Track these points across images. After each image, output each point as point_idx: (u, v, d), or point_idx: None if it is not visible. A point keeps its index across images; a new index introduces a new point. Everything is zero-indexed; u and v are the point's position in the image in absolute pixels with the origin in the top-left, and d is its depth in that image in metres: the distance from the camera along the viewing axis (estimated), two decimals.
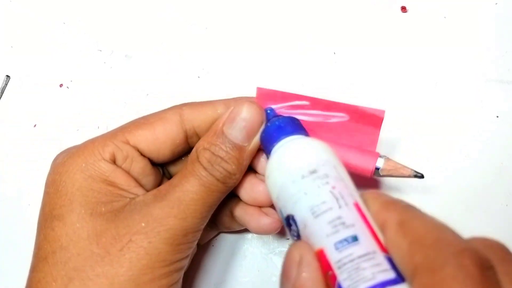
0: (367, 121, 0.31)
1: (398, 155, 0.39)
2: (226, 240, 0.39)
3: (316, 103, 0.31)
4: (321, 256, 0.23)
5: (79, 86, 0.44)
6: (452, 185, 0.39)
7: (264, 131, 0.30)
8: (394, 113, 0.36)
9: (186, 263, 0.29)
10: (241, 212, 0.33)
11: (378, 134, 0.32)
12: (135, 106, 0.43)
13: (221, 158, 0.29)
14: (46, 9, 0.47)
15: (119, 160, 0.30)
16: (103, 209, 0.28)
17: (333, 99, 0.31)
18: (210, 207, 0.29)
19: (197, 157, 0.29)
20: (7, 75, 0.44)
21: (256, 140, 0.30)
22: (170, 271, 0.27)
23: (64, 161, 0.29)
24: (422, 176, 0.32)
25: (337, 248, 0.22)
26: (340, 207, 0.23)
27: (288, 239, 0.38)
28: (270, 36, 0.45)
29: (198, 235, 0.29)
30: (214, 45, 0.45)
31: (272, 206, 0.31)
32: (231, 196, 0.32)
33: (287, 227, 0.26)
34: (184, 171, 0.29)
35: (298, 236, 0.25)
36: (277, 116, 0.31)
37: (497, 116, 0.41)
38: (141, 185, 0.30)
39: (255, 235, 0.39)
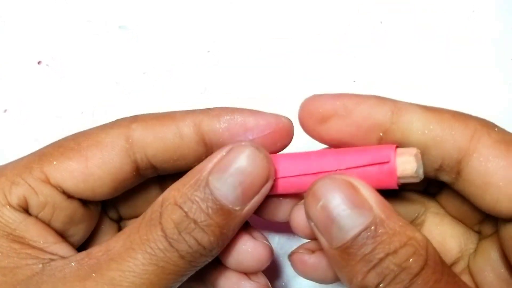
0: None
1: None
2: None
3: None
4: None
5: (62, 63, 0.36)
6: None
7: None
8: None
9: None
10: (222, 281, 0.24)
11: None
12: (128, 87, 0.35)
13: (196, 223, 0.20)
14: None
15: (34, 208, 0.21)
16: (1, 279, 0.20)
17: None
18: None
19: (160, 217, 0.20)
20: None
21: (253, 204, 0.21)
22: None
23: None
24: None
25: None
26: None
27: None
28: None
29: None
30: (228, 12, 0.36)
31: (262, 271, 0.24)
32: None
33: None
34: (133, 235, 0.20)
35: None
36: None
37: None
38: (64, 238, 0.22)
39: None
